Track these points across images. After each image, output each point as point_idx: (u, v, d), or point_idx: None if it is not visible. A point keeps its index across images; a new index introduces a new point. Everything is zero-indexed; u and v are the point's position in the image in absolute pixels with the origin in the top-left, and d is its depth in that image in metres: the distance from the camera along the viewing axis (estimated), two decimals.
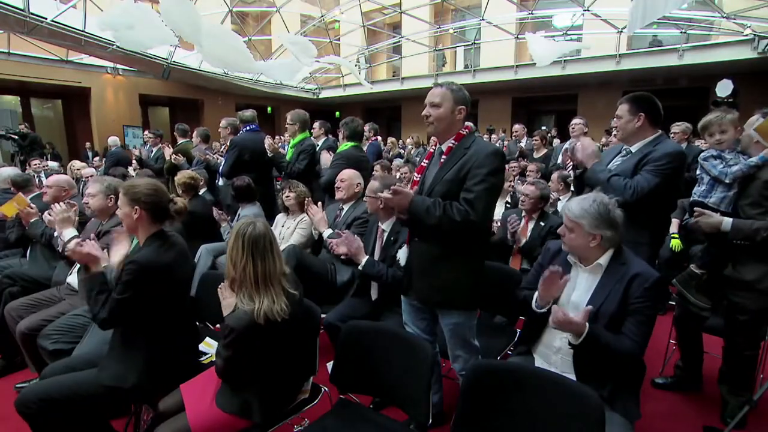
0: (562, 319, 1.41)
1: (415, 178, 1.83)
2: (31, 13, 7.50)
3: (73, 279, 2.58)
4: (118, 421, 1.83)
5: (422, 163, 1.86)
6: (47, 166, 6.72)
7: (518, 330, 2.32)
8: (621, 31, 10.08)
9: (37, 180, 5.01)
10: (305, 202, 2.84)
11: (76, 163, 6.12)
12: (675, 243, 3.25)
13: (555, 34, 11.25)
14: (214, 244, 3.48)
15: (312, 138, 4.25)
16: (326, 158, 3.78)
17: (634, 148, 2.08)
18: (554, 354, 1.64)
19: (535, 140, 5.32)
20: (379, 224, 2.39)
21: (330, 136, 4.39)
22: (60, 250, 2.64)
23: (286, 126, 3.86)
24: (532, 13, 11.44)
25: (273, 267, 1.50)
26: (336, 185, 2.76)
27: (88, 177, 4.84)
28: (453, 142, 1.73)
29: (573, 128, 4.29)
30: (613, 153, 2.23)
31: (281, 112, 15.54)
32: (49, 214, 2.73)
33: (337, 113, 15.59)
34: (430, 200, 1.62)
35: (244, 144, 3.73)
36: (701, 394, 2.36)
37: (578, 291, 1.60)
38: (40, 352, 2.16)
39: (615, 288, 1.51)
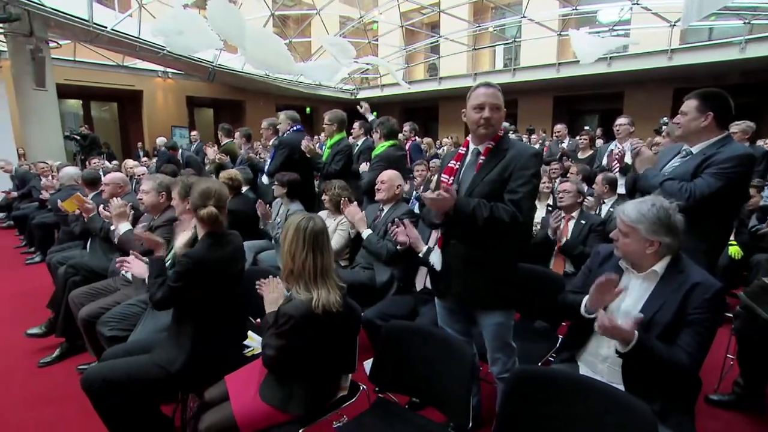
0: (607, 326, 1.34)
1: (444, 180, 1.76)
2: (95, 23, 8.10)
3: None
4: (167, 408, 1.94)
5: (450, 164, 1.79)
6: (104, 164, 7.19)
7: (560, 336, 2.26)
8: (674, 25, 9.53)
9: None
10: (341, 202, 2.87)
11: (129, 162, 6.51)
12: (734, 250, 3.04)
13: (600, 30, 10.80)
14: (256, 242, 3.59)
15: (351, 138, 4.30)
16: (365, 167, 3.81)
17: (695, 149, 1.96)
18: (601, 362, 1.57)
19: (584, 139, 5.12)
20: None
21: (369, 136, 4.41)
22: (116, 243, 2.82)
23: (324, 126, 3.91)
24: (576, 9, 11.05)
25: (329, 261, 1.57)
26: (376, 186, 2.77)
27: (140, 175, 5.13)
28: (491, 143, 1.70)
29: (618, 129, 4.10)
30: (671, 154, 2.10)
31: (320, 113, 15.85)
32: (105, 209, 2.95)
33: (375, 113, 15.66)
34: (474, 201, 1.60)
35: (294, 144, 3.80)
36: (765, 415, 2.18)
37: (630, 298, 1.52)
38: (98, 338, 2.32)
39: (672, 297, 1.42)
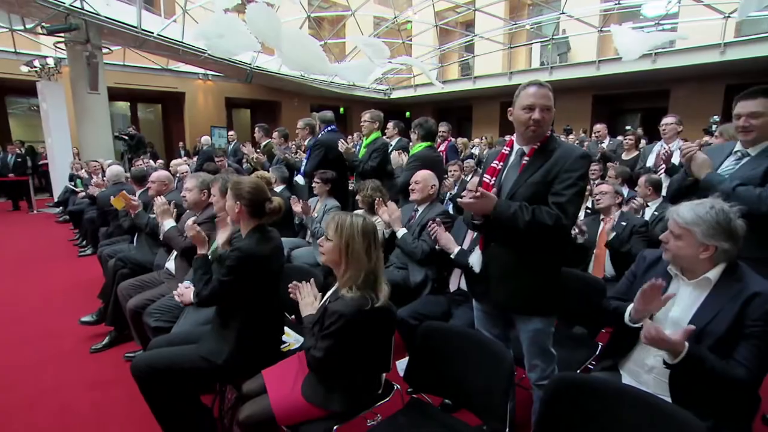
0: (654, 336, 1.27)
1: (486, 180, 1.71)
2: (143, 29, 8.56)
3: (170, 265, 2.88)
4: (206, 398, 2.01)
5: (493, 164, 1.73)
6: (149, 163, 7.57)
7: (600, 343, 2.17)
8: (728, 17, 8.95)
9: None
10: (376, 202, 2.88)
11: (176, 161, 6.82)
12: None
13: (645, 25, 10.31)
14: (290, 239, 3.67)
15: (385, 138, 4.32)
16: (398, 159, 3.81)
17: (752, 151, 1.82)
18: (646, 373, 1.49)
19: (629, 139, 4.91)
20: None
21: (403, 136, 4.41)
22: (160, 239, 2.96)
23: (363, 123, 3.93)
24: (618, 3, 10.59)
25: (381, 261, 1.59)
26: (410, 186, 2.77)
27: (183, 173, 5.36)
28: (537, 143, 1.63)
29: (664, 128, 3.89)
30: (721, 154, 1.95)
31: (353, 113, 16.02)
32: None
33: (408, 113, 15.68)
34: (516, 204, 1.55)
35: (330, 144, 3.86)
36: None
37: (679, 306, 1.43)
38: (144, 328, 2.44)
39: (727, 307, 1.33)
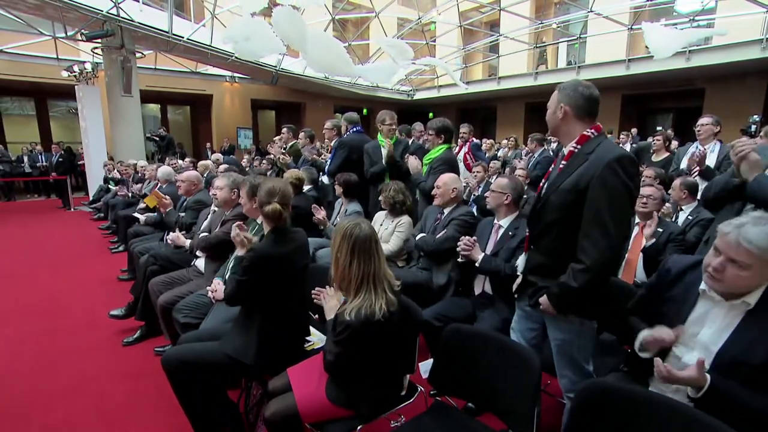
0: (666, 376, 1.20)
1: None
2: (173, 34, 8.85)
3: (199, 263, 2.96)
4: (233, 394, 2.06)
5: (550, 169, 1.70)
6: (176, 163, 7.81)
7: (629, 350, 2.11)
8: None
9: None
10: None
11: (204, 161, 7.02)
12: None
13: (678, 22, 9.94)
14: (315, 239, 3.71)
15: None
16: (415, 163, 3.77)
17: None
18: (672, 393, 1.35)
19: (657, 140, 4.73)
20: (496, 220, 2.39)
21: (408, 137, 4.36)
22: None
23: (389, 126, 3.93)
24: (650, 0, 10.24)
25: (377, 267, 1.56)
26: (433, 191, 2.76)
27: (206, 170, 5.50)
28: (575, 145, 1.53)
29: (699, 129, 3.73)
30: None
31: (377, 114, 16.03)
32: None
33: (431, 114, 15.62)
34: (556, 289, 1.51)
35: (354, 145, 3.90)
36: None
37: (710, 329, 1.30)
38: (173, 323, 2.52)
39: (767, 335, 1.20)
